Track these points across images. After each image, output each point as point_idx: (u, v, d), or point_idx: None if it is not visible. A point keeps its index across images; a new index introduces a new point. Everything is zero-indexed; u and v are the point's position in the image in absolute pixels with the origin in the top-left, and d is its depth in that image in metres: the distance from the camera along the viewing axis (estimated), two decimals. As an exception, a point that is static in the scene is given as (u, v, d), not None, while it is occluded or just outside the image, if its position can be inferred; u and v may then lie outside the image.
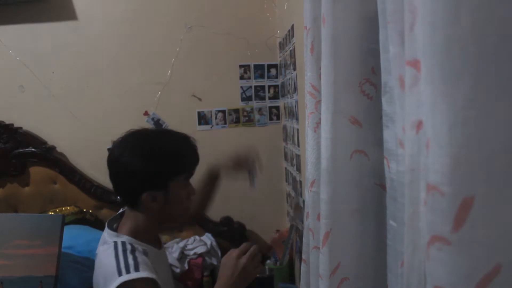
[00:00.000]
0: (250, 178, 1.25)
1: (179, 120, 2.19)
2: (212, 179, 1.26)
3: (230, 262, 0.94)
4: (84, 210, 2.11)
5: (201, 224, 2.18)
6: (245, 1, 2.20)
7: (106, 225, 1.04)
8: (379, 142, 0.76)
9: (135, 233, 1.00)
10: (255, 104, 2.25)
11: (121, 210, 1.12)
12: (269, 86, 2.25)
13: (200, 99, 2.22)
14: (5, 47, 2.14)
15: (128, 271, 0.87)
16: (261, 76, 2.24)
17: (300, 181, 1.73)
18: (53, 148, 2.17)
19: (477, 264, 0.40)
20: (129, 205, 1.03)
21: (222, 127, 2.25)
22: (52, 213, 2.01)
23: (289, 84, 1.92)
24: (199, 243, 2.07)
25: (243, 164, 1.25)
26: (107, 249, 0.96)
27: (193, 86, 2.21)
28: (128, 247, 0.95)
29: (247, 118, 2.26)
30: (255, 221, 2.26)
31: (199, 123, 2.23)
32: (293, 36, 1.76)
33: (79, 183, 2.14)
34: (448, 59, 0.40)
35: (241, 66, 2.22)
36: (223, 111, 2.24)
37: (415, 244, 0.52)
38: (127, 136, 1.01)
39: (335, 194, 0.86)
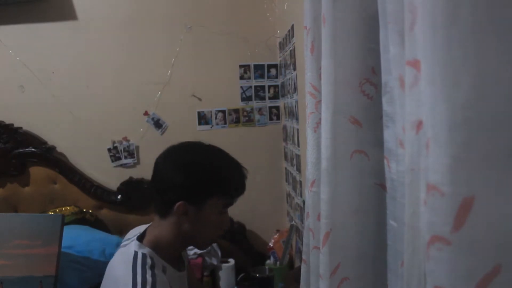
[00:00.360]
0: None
1: (179, 120, 2.19)
2: None
3: None
4: (84, 210, 2.11)
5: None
6: (245, 1, 2.20)
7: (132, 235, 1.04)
8: (379, 142, 0.76)
9: (156, 246, 0.98)
10: (255, 104, 2.25)
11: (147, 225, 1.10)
12: (269, 86, 2.25)
13: (200, 99, 2.22)
14: (5, 47, 2.14)
15: None
16: (261, 76, 2.24)
17: (300, 181, 1.73)
18: (53, 148, 2.16)
19: (477, 264, 0.40)
20: (160, 211, 1.00)
21: (222, 127, 2.25)
22: (52, 213, 2.01)
23: (289, 84, 1.92)
24: (199, 243, 2.06)
25: None
26: (125, 256, 0.95)
27: (193, 86, 2.20)
28: (148, 261, 0.92)
29: (247, 118, 2.25)
30: (255, 221, 2.25)
31: (199, 123, 2.23)
32: (293, 36, 1.76)
33: (79, 183, 2.14)
34: (448, 59, 0.40)
35: (241, 66, 2.22)
36: (223, 111, 2.24)
37: (415, 244, 0.52)
38: (186, 144, 1.03)
39: (335, 194, 0.86)
